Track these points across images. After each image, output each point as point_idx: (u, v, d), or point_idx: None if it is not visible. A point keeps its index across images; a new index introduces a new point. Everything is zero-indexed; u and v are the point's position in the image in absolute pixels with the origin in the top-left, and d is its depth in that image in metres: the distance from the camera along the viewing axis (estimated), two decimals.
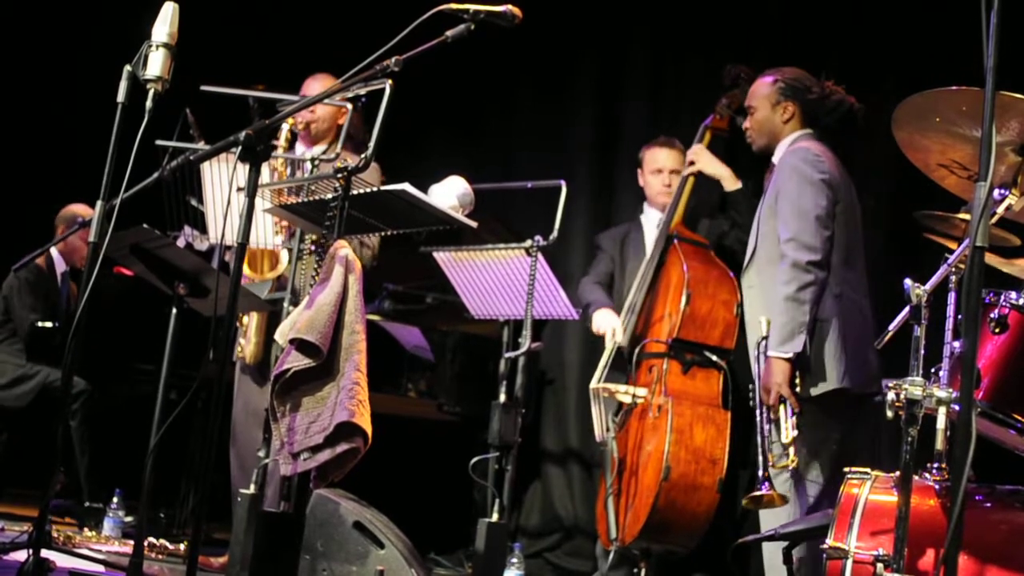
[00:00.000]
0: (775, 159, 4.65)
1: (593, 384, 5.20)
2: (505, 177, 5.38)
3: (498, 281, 4.72)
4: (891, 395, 2.92)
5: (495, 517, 4.43)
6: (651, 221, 5.61)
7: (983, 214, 2.35)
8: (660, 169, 5.58)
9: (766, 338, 4.25)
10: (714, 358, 5.20)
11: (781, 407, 4.20)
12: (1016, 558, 3.13)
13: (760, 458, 4.16)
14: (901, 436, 2.94)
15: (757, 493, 4.06)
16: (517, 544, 5.67)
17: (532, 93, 6.60)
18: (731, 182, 5.32)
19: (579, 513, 6.15)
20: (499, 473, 4.55)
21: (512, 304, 4.72)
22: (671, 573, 5.42)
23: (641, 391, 5.14)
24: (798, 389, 4.22)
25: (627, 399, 5.13)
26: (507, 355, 4.58)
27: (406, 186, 3.59)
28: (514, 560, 5.40)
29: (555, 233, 4.53)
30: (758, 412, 4.24)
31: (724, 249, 5.42)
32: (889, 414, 2.94)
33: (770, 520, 4.22)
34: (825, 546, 3.30)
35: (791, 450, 4.11)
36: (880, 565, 2.98)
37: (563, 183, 4.58)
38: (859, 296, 4.37)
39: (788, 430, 4.13)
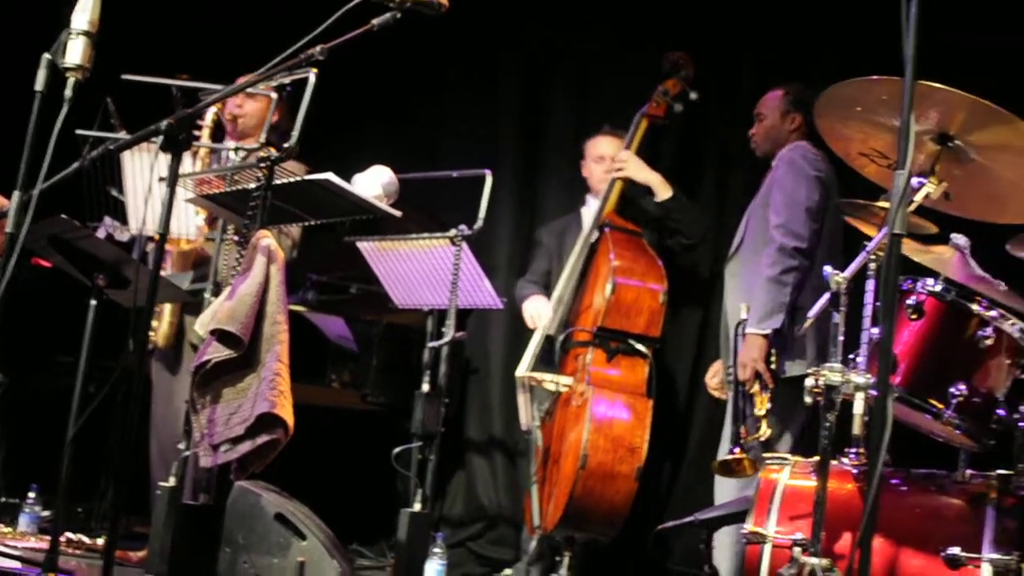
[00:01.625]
0: (773, 163, 4.79)
1: (520, 372, 5.21)
2: (431, 167, 5.35)
3: (422, 271, 4.70)
4: (810, 381, 2.97)
5: (417, 507, 4.42)
6: (591, 212, 5.62)
7: (901, 202, 2.38)
8: (602, 157, 5.59)
9: (745, 320, 4.37)
10: (639, 346, 5.23)
11: (756, 382, 4.31)
12: (931, 540, 3.19)
13: (731, 429, 4.24)
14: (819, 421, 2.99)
15: (727, 457, 4.13)
16: (440, 534, 5.62)
17: (459, 82, 6.57)
18: (662, 190, 5.35)
19: (503, 502, 6.15)
20: (422, 463, 4.54)
21: (436, 294, 4.70)
22: (595, 560, 5.45)
23: (567, 380, 5.15)
24: (773, 366, 4.33)
25: (553, 387, 5.15)
26: (431, 345, 4.57)
27: (329, 175, 3.57)
28: (437, 550, 5.35)
29: (480, 222, 4.53)
30: (733, 389, 4.35)
31: (664, 248, 5.47)
32: (808, 400, 2.99)
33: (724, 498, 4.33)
34: (744, 531, 3.35)
35: (763, 423, 4.19)
36: (798, 549, 3.02)
37: (488, 172, 4.57)
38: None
39: (761, 403, 4.24)
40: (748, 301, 4.40)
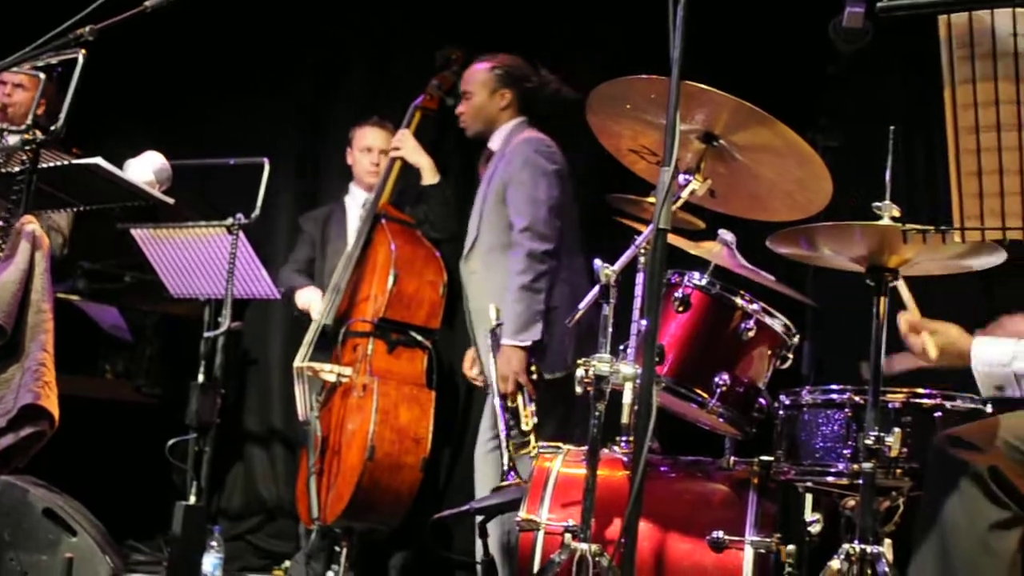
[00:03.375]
0: (492, 145, 4.74)
1: (297, 363, 5.16)
2: (208, 154, 5.24)
3: (198, 260, 4.61)
4: (580, 371, 3.03)
5: (193, 500, 4.35)
6: (356, 201, 5.59)
7: (666, 198, 2.45)
8: (369, 148, 5.58)
9: (498, 326, 4.33)
10: (419, 338, 5.25)
11: (519, 395, 4.31)
12: (697, 525, 3.30)
13: (503, 447, 4.22)
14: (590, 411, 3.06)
15: (504, 484, 4.14)
16: (217, 527, 5.56)
17: (238, 69, 6.44)
18: (430, 174, 5.34)
19: (282, 494, 6.08)
20: (198, 455, 4.47)
21: (213, 283, 4.63)
22: (373, 550, 5.45)
23: (346, 370, 5.13)
24: (534, 376, 4.34)
25: (331, 378, 5.11)
26: (206, 335, 4.49)
27: (98, 160, 3.46)
28: (213, 543, 5.29)
29: (257, 211, 4.46)
30: (496, 401, 4.31)
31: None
32: (579, 390, 3.05)
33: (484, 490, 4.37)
34: (518, 519, 3.40)
35: (532, 437, 4.20)
36: (569, 535, 3.08)
37: (266, 161, 4.51)
38: (584, 282, 4.51)
39: (527, 417, 4.24)
40: (496, 301, 4.35)
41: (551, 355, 4.40)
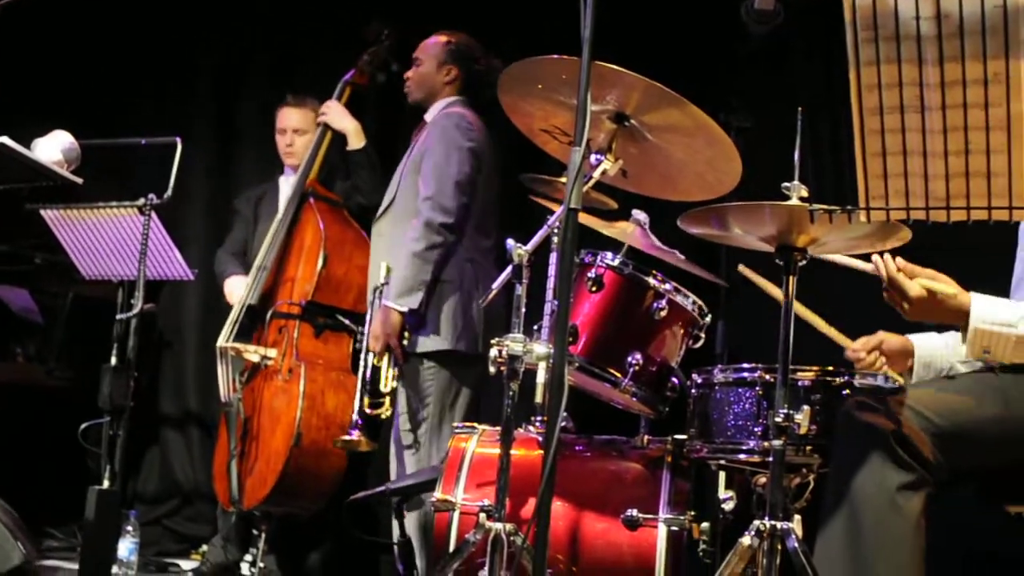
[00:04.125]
0: (427, 117, 4.77)
1: (220, 342, 5.10)
2: (121, 133, 5.16)
3: (110, 240, 4.54)
4: (493, 351, 3.03)
5: (106, 484, 4.29)
6: (288, 181, 5.56)
7: (577, 178, 2.45)
8: (284, 129, 5.55)
9: (384, 285, 4.38)
10: (347, 322, 5.22)
11: (385, 356, 4.36)
12: (611, 503, 3.32)
13: (356, 401, 4.31)
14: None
15: (346, 438, 4.18)
16: (133, 511, 5.50)
17: (153, 49, 6.35)
18: (355, 139, 5.31)
19: (199, 478, 6.03)
20: (112, 439, 4.41)
21: (125, 264, 4.56)
22: (291, 534, 5.42)
23: (270, 351, 5.08)
24: (406, 342, 4.38)
25: (255, 358, 5.06)
26: (119, 317, 4.43)
27: (4, 139, 3.41)
28: (129, 528, 5.23)
29: (169, 191, 4.40)
30: (362, 356, 4.39)
31: (348, 211, 5.42)
32: (492, 370, 3.05)
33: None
34: (433, 499, 3.40)
35: (387, 399, 4.31)
36: (483, 515, 3.09)
37: (178, 140, 4.45)
38: (490, 266, 4.52)
39: (388, 380, 4.33)
40: (390, 261, 4.42)
41: (431, 327, 4.43)
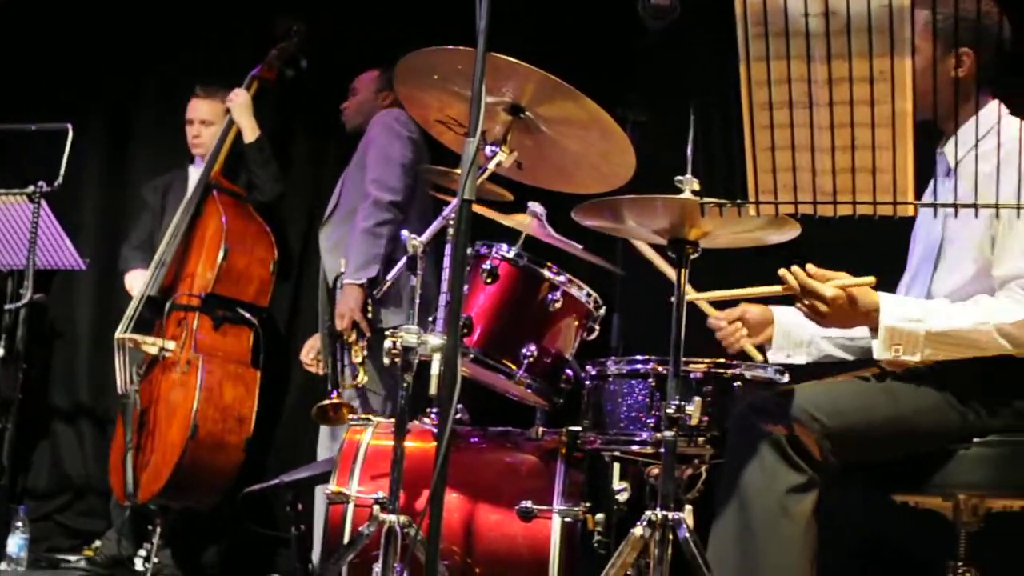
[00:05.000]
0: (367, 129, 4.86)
1: (118, 334, 5.03)
2: (10, 119, 5.06)
3: None
4: (388, 343, 3.02)
5: None
6: (196, 171, 5.50)
7: (471, 169, 2.45)
8: (191, 120, 5.50)
9: (342, 273, 4.51)
10: (247, 315, 5.18)
11: (353, 331, 4.44)
12: (506, 495, 3.34)
13: (331, 376, 4.43)
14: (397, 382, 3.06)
15: (326, 402, 4.22)
16: (23, 507, 5.41)
17: (47, 31, 6.20)
18: (250, 133, 5.28)
19: (90, 472, 5.93)
20: (1, 432, 4.33)
21: (14, 253, 4.49)
22: (187, 527, 5.36)
23: (169, 344, 5.03)
24: (370, 315, 4.47)
25: (153, 350, 5.01)
26: (7, 307, 4.36)
27: None
28: (18, 524, 5.14)
29: (60, 179, 4.33)
30: (330, 339, 4.52)
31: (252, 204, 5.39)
32: (386, 361, 3.04)
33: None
34: (328, 492, 3.38)
35: (361, 370, 4.40)
36: (377, 507, 3.08)
37: (70, 127, 4.38)
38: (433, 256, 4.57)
39: (358, 350, 4.42)
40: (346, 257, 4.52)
41: (389, 303, 4.54)
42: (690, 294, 3.10)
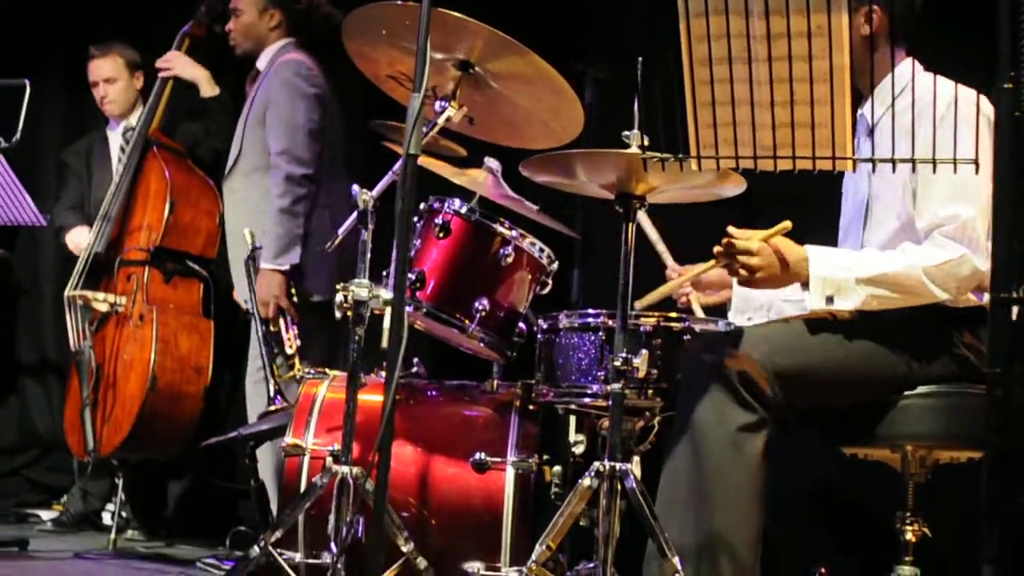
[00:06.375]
0: (260, 65, 4.72)
1: (68, 291, 5.04)
2: None
3: None
4: (339, 296, 3.05)
5: None
6: (116, 132, 5.49)
7: (416, 124, 2.47)
8: (96, 82, 5.46)
9: (255, 250, 4.32)
10: (196, 267, 5.19)
11: (281, 319, 4.32)
12: (460, 447, 3.37)
13: (267, 372, 4.27)
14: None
15: (272, 409, 4.14)
16: None
17: None
18: (208, 87, 5.23)
19: (57, 427, 5.90)
20: None
21: None
22: (148, 479, 5.39)
23: (120, 299, 5.03)
24: (295, 298, 4.35)
25: (104, 307, 5.01)
26: None
27: None
28: None
29: (18, 134, 4.31)
30: (257, 326, 4.34)
31: (196, 158, 5.36)
32: (337, 315, 3.07)
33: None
34: (284, 444, 3.42)
35: (296, 360, 4.26)
36: (330, 459, 3.12)
37: (27, 82, 4.35)
38: (344, 207, 4.51)
39: (291, 340, 4.28)
40: (253, 224, 4.39)
41: (313, 279, 4.45)
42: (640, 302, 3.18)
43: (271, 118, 4.52)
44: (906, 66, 3.04)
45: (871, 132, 3.08)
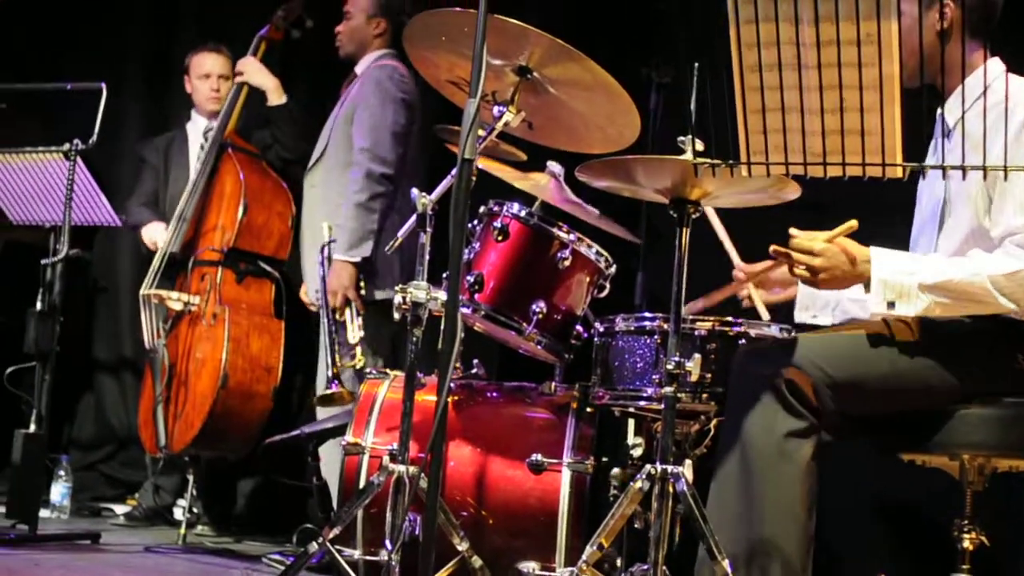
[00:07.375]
0: (358, 69, 4.84)
1: (143, 290, 5.15)
2: (51, 78, 5.15)
3: (36, 186, 4.58)
4: (398, 297, 3.10)
5: (33, 428, 4.35)
6: (197, 128, 5.59)
7: (472, 129, 2.51)
8: (208, 75, 5.57)
9: (331, 243, 4.42)
10: (268, 268, 5.28)
11: (347, 309, 4.42)
12: (517, 448, 3.41)
13: (327, 358, 4.37)
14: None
15: (327, 392, 4.25)
16: (65, 456, 5.56)
17: None
18: (276, 95, 5.31)
19: (132, 423, 6.03)
20: (40, 383, 4.45)
21: (52, 210, 4.59)
22: (219, 476, 5.49)
23: (193, 299, 5.14)
24: (363, 292, 4.45)
25: (177, 306, 5.12)
26: (43, 262, 4.46)
27: None
28: (61, 472, 5.29)
29: (95, 137, 4.42)
30: (324, 314, 4.44)
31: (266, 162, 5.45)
32: (396, 316, 3.11)
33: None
34: (344, 443, 3.48)
35: (357, 350, 4.36)
36: (387, 458, 3.17)
37: (103, 85, 4.46)
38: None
39: (354, 331, 4.37)
40: (329, 218, 4.51)
41: (381, 277, 4.55)
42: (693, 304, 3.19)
43: (359, 116, 4.64)
44: (991, 65, 2.96)
45: (949, 133, 3.04)
